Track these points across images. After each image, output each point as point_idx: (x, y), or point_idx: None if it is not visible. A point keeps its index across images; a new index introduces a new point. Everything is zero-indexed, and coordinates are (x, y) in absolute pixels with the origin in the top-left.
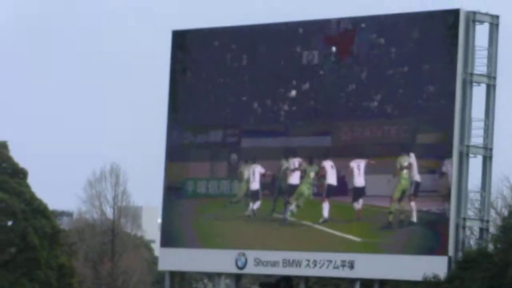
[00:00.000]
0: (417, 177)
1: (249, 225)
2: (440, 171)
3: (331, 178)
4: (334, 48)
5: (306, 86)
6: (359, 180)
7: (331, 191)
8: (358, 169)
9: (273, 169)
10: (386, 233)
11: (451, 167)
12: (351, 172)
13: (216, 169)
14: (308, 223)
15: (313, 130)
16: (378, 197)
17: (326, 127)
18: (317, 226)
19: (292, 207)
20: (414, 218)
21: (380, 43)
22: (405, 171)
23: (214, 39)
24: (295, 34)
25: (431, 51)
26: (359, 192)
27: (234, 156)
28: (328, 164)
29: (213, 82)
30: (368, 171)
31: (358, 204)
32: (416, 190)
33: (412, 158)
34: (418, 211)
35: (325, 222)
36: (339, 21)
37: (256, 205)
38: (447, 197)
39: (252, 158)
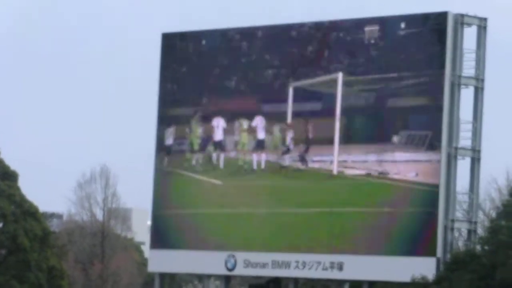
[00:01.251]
0: (261, 136)
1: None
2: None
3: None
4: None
5: None
6: (218, 135)
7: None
8: (217, 127)
9: None
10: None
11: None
12: (212, 129)
13: None
14: None
15: None
16: (233, 151)
17: None
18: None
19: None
20: (255, 166)
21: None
22: (245, 132)
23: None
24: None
25: (419, 53)
26: (220, 146)
27: None
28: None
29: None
30: (225, 130)
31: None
32: (258, 146)
33: (255, 122)
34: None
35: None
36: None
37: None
38: (286, 150)
39: None
